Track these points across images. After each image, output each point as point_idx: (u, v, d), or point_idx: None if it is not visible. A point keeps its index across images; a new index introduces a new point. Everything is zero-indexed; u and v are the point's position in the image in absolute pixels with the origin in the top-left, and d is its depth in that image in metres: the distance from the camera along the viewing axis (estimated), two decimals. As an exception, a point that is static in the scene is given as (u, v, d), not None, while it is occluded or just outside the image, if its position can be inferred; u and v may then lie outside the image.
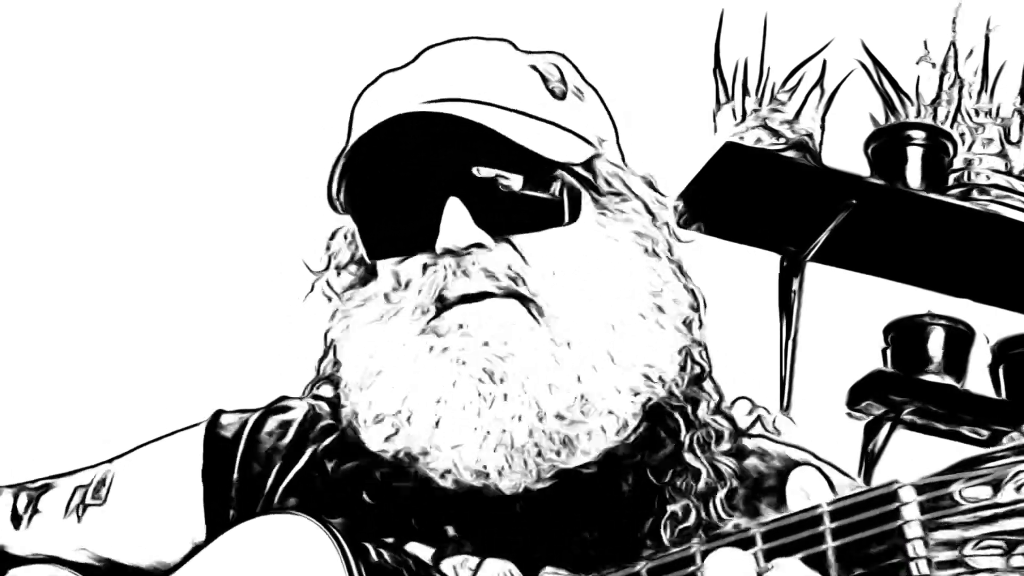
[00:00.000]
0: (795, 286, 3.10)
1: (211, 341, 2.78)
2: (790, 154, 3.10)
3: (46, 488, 1.59)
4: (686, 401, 1.46)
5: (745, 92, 3.14)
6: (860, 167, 3.20)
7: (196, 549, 1.46)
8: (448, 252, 1.40)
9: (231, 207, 2.92)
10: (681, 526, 1.40)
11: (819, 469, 1.43)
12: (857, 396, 3.13)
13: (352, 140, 1.44)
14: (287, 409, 1.56)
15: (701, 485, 1.42)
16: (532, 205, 1.42)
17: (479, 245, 1.40)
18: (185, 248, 2.91)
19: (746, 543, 1.20)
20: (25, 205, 2.94)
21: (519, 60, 1.50)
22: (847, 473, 1.49)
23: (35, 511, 1.57)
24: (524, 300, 1.40)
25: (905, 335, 3.18)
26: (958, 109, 3.26)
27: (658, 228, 1.49)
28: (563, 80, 1.49)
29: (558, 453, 1.39)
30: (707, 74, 3.16)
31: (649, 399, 1.43)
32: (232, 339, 2.76)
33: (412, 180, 1.42)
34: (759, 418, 1.51)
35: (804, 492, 1.20)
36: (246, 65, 3.01)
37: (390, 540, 1.40)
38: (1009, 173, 3.24)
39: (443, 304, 1.41)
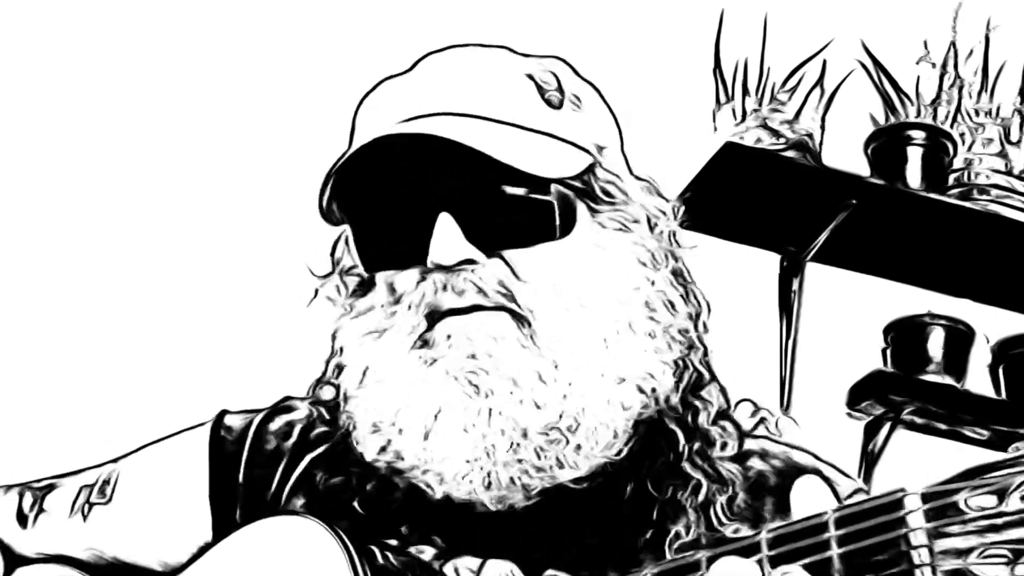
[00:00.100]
0: (795, 286, 3.10)
1: (216, 342, 2.78)
2: (790, 154, 3.10)
3: (51, 487, 1.59)
4: (685, 410, 1.46)
5: (745, 92, 3.14)
6: (860, 167, 3.20)
7: (203, 550, 1.47)
8: (439, 268, 1.40)
9: (237, 209, 2.92)
10: (681, 542, 1.39)
11: (821, 473, 1.44)
12: (857, 396, 3.13)
13: (341, 159, 1.43)
14: (291, 409, 1.56)
15: (701, 496, 1.42)
16: (524, 221, 1.42)
17: (470, 261, 1.40)
18: (191, 250, 2.91)
19: (752, 550, 1.21)
20: (39, 207, 2.94)
21: (516, 69, 1.49)
22: (848, 474, 1.49)
23: (41, 510, 1.58)
24: (515, 316, 1.40)
25: (905, 335, 3.18)
26: (958, 109, 3.26)
27: (657, 237, 1.48)
28: (560, 89, 1.48)
29: (545, 469, 1.39)
30: (707, 74, 3.16)
31: (643, 412, 1.43)
32: (237, 340, 2.76)
33: (404, 196, 1.42)
34: (762, 420, 1.51)
35: (808, 502, 1.20)
36: (250, 70, 3.01)
37: (394, 543, 1.41)
38: (1009, 173, 3.24)
39: (433, 319, 1.40)
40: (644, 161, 1.53)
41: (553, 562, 1.39)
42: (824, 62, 3.16)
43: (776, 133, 3.10)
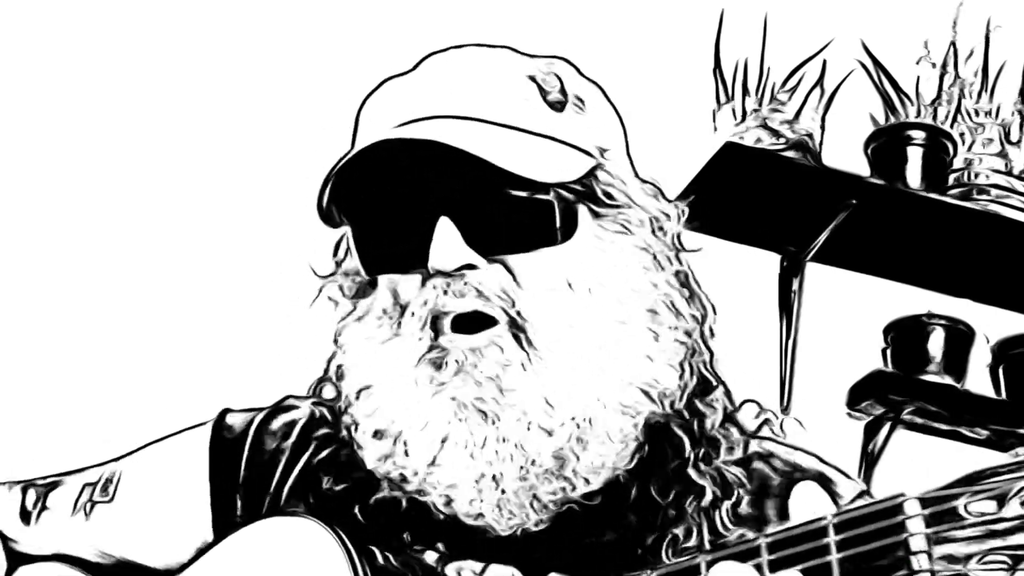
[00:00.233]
0: (795, 286, 3.10)
1: (218, 341, 2.78)
2: (790, 154, 3.09)
3: (54, 485, 1.60)
4: (691, 415, 1.45)
5: (745, 92, 3.14)
6: (860, 167, 3.19)
7: (204, 549, 1.48)
8: (439, 273, 1.40)
9: (239, 210, 2.92)
10: (683, 546, 1.39)
11: (824, 476, 1.45)
12: (857, 396, 3.13)
13: (339, 163, 1.43)
14: (292, 408, 1.56)
15: (705, 502, 1.42)
16: (525, 225, 1.41)
17: (470, 266, 1.39)
18: (192, 249, 2.90)
19: (751, 554, 1.21)
20: (40, 207, 2.94)
21: (518, 70, 1.48)
22: (852, 477, 1.48)
23: (44, 507, 1.58)
24: (516, 329, 1.39)
25: (905, 335, 3.18)
26: (958, 109, 3.26)
27: (660, 239, 1.48)
28: (563, 90, 1.48)
29: (556, 492, 1.40)
30: (707, 74, 3.15)
31: (649, 417, 1.42)
32: (239, 339, 2.76)
33: (404, 198, 1.41)
34: (766, 421, 1.50)
35: (807, 509, 1.21)
36: (253, 70, 3.01)
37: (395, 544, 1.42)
38: (1009, 173, 3.24)
39: (438, 330, 1.40)
40: (644, 161, 1.53)
41: (555, 566, 1.40)
42: (824, 62, 3.15)
43: (776, 133, 3.10)
